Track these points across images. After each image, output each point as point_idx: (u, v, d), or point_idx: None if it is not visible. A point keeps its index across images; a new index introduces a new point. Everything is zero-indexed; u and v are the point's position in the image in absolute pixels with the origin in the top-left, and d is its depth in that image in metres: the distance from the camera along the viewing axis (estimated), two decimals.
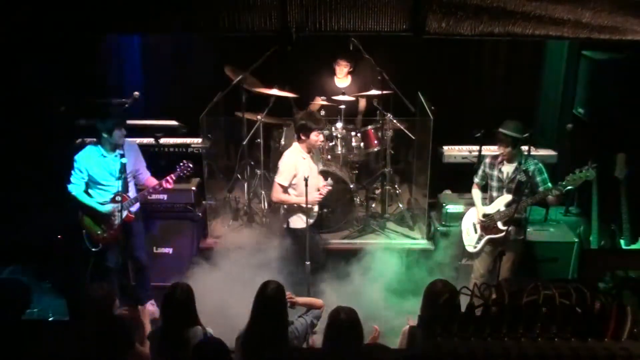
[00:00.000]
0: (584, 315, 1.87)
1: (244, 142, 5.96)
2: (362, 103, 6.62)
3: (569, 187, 4.41)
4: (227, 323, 3.81)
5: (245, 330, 3.49)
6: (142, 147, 5.24)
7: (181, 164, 4.87)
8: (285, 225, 4.99)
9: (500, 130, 4.56)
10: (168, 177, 4.82)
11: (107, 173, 4.78)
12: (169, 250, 5.58)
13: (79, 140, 6.03)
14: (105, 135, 4.68)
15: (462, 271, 5.38)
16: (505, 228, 4.59)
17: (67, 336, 3.39)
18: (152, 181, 4.97)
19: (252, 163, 6.25)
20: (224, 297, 4.66)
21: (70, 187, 4.77)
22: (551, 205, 5.06)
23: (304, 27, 2.85)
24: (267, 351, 3.36)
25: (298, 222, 4.91)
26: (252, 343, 3.44)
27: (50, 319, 4.87)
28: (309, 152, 4.95)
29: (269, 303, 3.43)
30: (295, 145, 4.93)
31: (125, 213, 4.77)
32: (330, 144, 5.91)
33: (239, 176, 6.30)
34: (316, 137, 4.83)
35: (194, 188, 5.70)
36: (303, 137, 4.84)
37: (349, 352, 3.19)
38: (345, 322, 3.26)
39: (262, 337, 3.41)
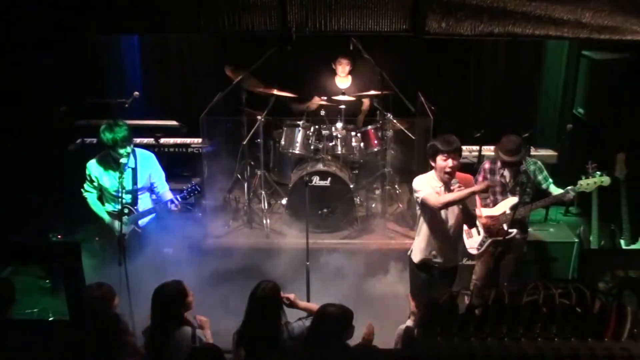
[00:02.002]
0: (584, 315, 1.87)
1: (244, 142, 5.96)
2: (366, 103, 6.61)
3: (582, 190, 4.42)
4: (227, 322, 3.83)
5: (240, 328, 3.54)
6: (141, 147, 5.21)
7: (190, 186, 4.67)
8: (409, 253, 4.50)
9: (507, 160, 4.50)
10: (174, 199, 4.62)
11: (117, 183, 4.52)
12: (169, 250, 5.56)
13: (79, 140, 6.04)
14: (110, 151, 4.48)
15: (462, 271, 5.37)
16: (511, 230, 4.58)
17: (67, 336, 3.39)
18: (168, 196, 4.73)
19: (252, 163, 6.24)
20: (223, 297, 4.67)
21: (83, 191, 4.69)
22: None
23: (304, 27, 2.85)
24: (260, 348, 3.39)
25: (417, 254, 4.35)
26: (246, 340, 3.49)
27: (50, 319, 4.86)
28: (443, 183, 4.12)
29: (261, 302, 3.49)
30: (431, 172, 4.24)
31: (131, 227, 4.67)
32: (330, 144, 5.91)
33: (239, 176, 6.30)
34: (443, 162, 4.02)
35: None
36: (432, 163, 4.14)
37: (330, 345, 3.21)
38: (331, 315, 3.30)
39: (256, 335, 3.47)
